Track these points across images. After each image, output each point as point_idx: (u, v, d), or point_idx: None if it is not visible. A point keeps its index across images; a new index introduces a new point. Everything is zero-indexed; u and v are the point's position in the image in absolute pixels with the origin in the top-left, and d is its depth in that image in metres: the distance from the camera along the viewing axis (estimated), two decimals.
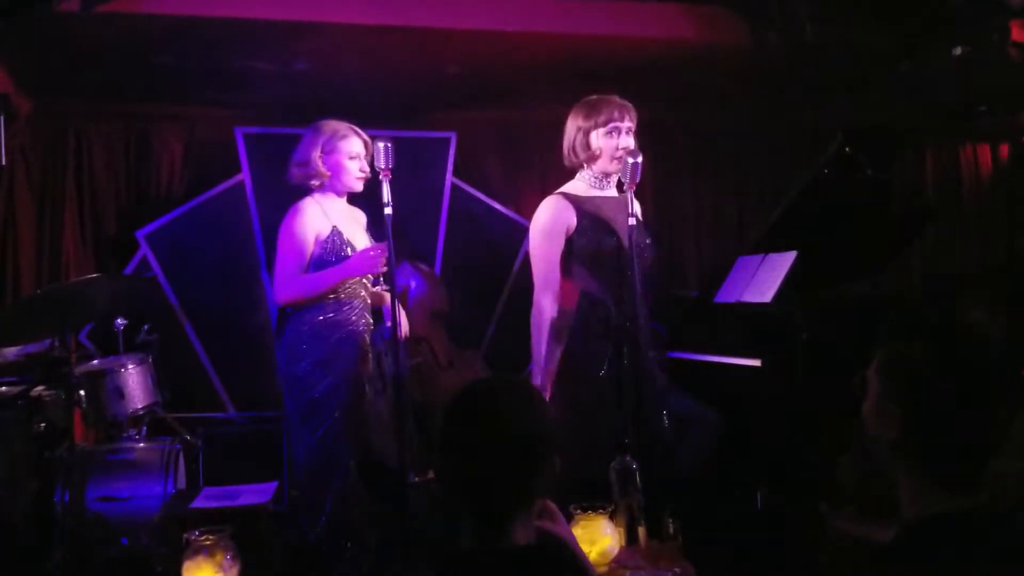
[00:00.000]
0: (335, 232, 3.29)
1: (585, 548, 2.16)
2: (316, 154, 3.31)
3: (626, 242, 3.03)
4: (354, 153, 3.33)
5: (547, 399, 2.99)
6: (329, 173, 3.32)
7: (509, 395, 1.64)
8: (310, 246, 3.26)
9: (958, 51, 4.47)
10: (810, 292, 4.05)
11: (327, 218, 3.31)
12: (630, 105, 3.17)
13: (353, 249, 3.28)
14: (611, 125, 3.12)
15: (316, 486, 3.19)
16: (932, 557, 1.34)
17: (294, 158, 3.37)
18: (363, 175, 3.34)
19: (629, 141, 3.13)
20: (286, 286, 3.22)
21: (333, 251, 3.27)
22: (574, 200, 3.17)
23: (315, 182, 3.34)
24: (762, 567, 3.28)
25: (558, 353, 3.08)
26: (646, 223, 3.16)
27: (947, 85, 4.92)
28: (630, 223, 2.91)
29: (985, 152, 6.89)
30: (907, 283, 5.20)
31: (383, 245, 3.12)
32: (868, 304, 4.10)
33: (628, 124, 3.14)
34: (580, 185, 3.21)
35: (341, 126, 3.36)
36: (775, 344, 3.87)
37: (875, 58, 4.80)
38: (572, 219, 3.14)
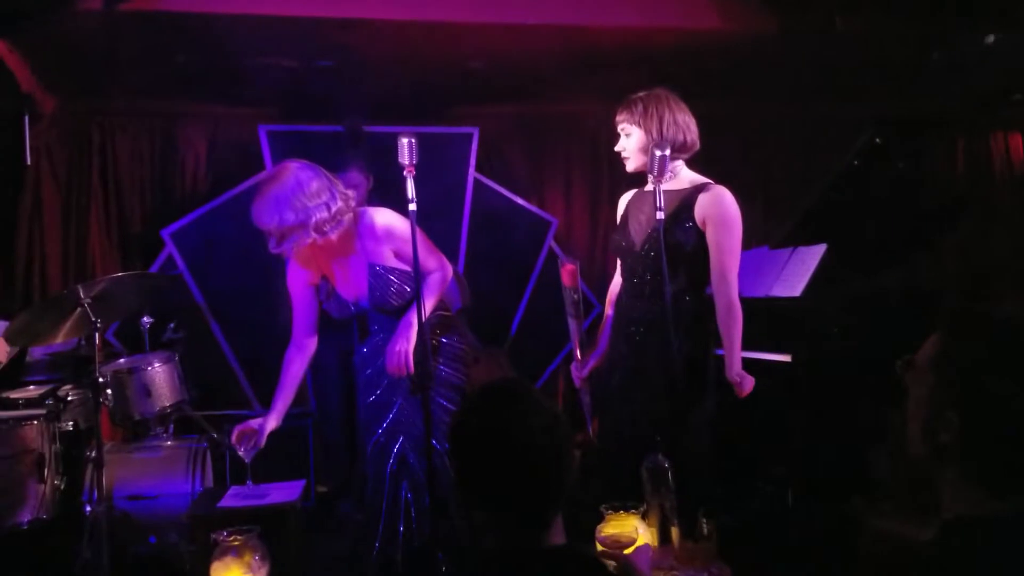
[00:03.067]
0: (323, 282, 3.18)
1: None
2: None
3: (640, 239, 3.02)
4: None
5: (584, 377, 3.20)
6: None
7: (514, 406, 1.61)
8: (301, 297, 3.21)
9: (991, 39, 4.39)
10: (841, 286, 3.99)
11: (318, 268, 3.16)
12: (630, 100, 3.06)
13: (331, 300, 3.15)
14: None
15: (372, 496, 3.15)
16: (975, 559, 1.30)
17: None
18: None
19: (623, 142, 3.06)
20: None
21: (325, 297, 3.18)
22: (634, 194, 3.21)
23: None
24: (797, 566, 3.23)
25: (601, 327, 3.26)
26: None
27: (979, 73, 4.84)
28: (658, 217, 2.84)
29: (1017, 141, 6.78)
30: (939, 275, 5.11)
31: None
32: (900, 297, 4.04)
33: (621, 125, 3.07)
34: (650, 180, 3.16)
35: None
36: (806, 339, 3.82)
37: (906, 48, 4.72)
38: (620, 213, 3.23)
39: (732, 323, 2.93)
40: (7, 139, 5.07)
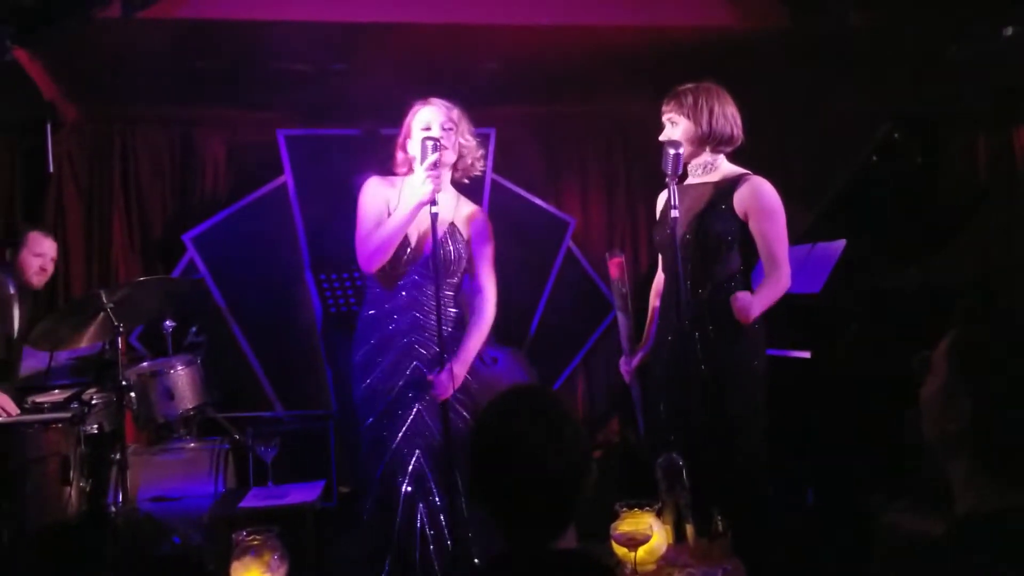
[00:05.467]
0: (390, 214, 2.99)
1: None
2: (399, 143, 3.06)
3: (680, 232, 3.02)
4: (425, 123, 3.01)
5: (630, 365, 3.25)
6: (410, 156, 3.02)
7: (535, 422, 1.59)
8: (374, 215, 2.97)
9: (1008, 32, 4.34)
10: (860, 282, 3.98)
11: (396, 200, 2.99)
12: (679, 91, 3.08)
13: (408, 244, 2.99)
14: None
15: (365, 476, 3.04)
16: (989, 554, 1.29)
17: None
18: (436, 146, 2.86)
19: (668, 132, 3.08)
20: (363, 250, 2.92)
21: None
22: (670, 192, 3.18)
23: (404, 169, 3.06)
24: (813, 564, 3.22)
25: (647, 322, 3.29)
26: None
27: (998, 67, 4.79)
28: (672, 215, 2.86)
29: None
30: (962, 270, 5.07)
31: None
32: (920, 293, 4.02)
33: (668, 115, 3.09)
34: (690, 174, 3.17)
35: (425, 100, 3.07)
36: (825, 335, 3.81)
37: (922, 42, 4.69)
38: (659, 208, 3.26)
39: (776, 287, 2.93)
40: (30, 146, 5.14)
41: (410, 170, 3.04)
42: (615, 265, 3.29)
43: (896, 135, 4.09)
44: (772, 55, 4.87)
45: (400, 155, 3.08)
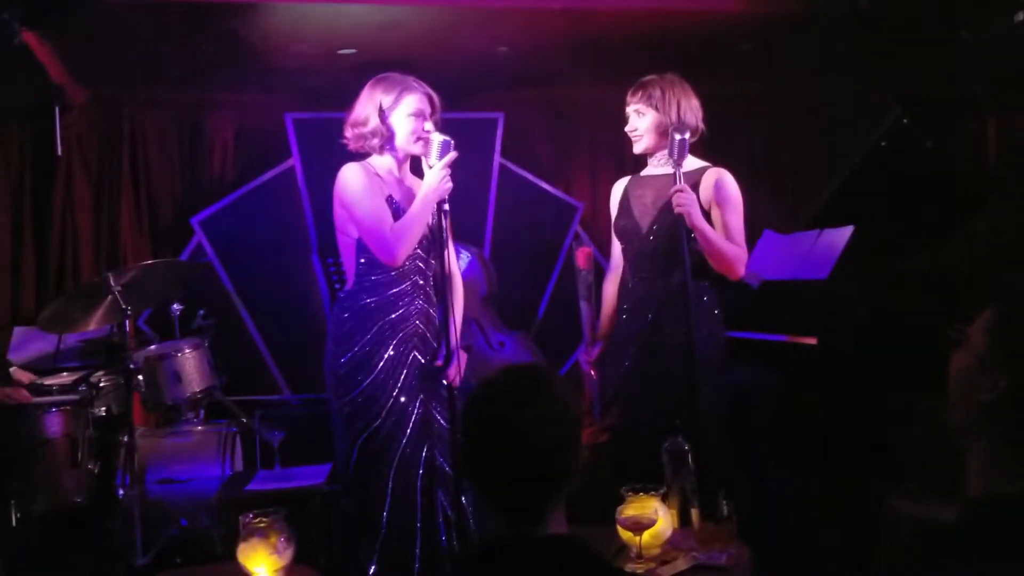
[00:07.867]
0: (391, 203, 2.93)
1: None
2: (374, 110, 2.93)
3: (647, 222, 3.06)
4: (416, 109, 2.94)
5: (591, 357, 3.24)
6: (389, 132, 2.93)
7: (526, 395, 1.58)
8: (385, 202, 2.92)
9: (1020, 16, 4.31)
10: (869, 268, 3.97)
11: (389, 188, 2.96)
12: (646, 82, 3.10)
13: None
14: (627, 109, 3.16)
15: (366, 501, 2.87)
16: (999, 537, 1.29)
17: (350, 118, 3.01)
18: (423, 135, 2.91)
19: (635, 122, 3.11)
20: (390, 244, 2.84)
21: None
22: (631, 180, 3.26)
23: (375, 141, 2.95)
24: (819, 548, 3.23)
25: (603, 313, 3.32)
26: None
27: (1009, 52, 4.75)
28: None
29: None
30: (969, 256, 5.05)
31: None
32: (929, 279, 4.00)
33: (635, 106, 3.11)
34: (650, 164, 3.20)
35: (404, 79, 2.99)
36: (832, 321, 3.80)
37: (933, 27, 4.65)
38: (617, 198, 3.27)
39: (731, 248, 3.01)
40: (39, 130, 5.15)
41: (384, 145, 2.97)
42: (582, 255, 3.32)
43: (905, 120, 4.07)
44: (783, 39, 4.84)
45: (381, 129, 2.95)
